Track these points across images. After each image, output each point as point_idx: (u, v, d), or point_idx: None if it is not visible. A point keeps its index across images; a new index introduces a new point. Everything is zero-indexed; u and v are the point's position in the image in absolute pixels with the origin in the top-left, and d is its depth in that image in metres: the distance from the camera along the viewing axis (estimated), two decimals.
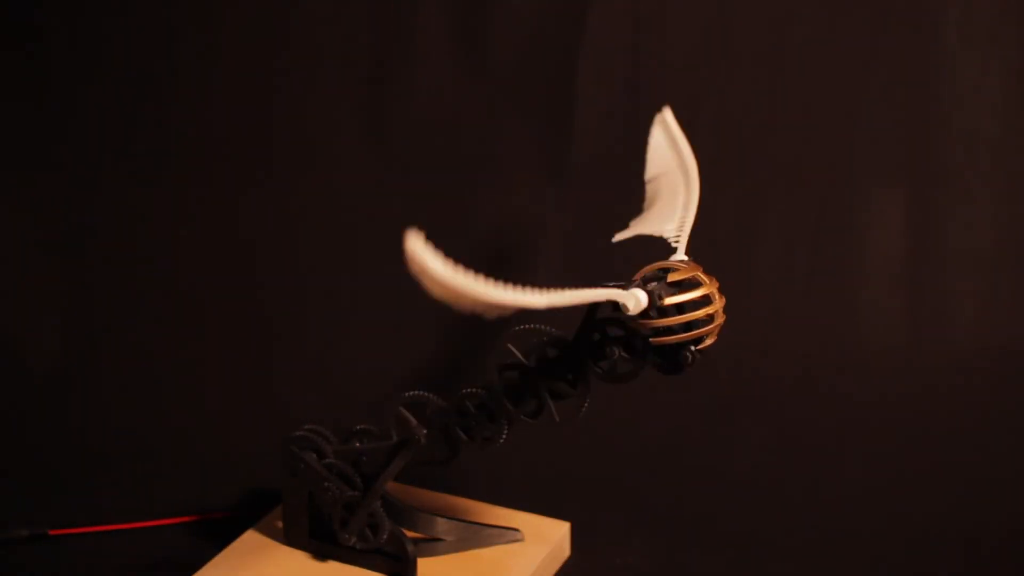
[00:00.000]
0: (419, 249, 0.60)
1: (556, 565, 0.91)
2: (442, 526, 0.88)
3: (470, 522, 0.89)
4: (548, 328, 0.78)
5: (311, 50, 1.17)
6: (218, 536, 0.91)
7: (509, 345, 0.79)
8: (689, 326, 0.72)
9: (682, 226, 0.79)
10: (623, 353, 0.75)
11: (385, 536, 0.84)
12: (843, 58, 1.09)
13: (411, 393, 0.83)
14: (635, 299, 0.71)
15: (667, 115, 0.89)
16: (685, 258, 0.76)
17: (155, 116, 1.20)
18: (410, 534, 0.85)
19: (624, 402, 1.11)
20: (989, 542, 0.94)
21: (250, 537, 0.90)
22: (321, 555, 0.87)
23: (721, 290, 0.74)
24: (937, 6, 1.07)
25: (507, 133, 1.15)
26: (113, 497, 1.00)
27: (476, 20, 1.14)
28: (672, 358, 0.73)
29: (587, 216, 1.13)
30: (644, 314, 0.72)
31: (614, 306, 0.72)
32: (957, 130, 1.09)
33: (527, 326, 0.78)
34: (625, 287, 0.71)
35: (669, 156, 0.87)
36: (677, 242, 0.78)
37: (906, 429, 1.07)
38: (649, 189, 0.88)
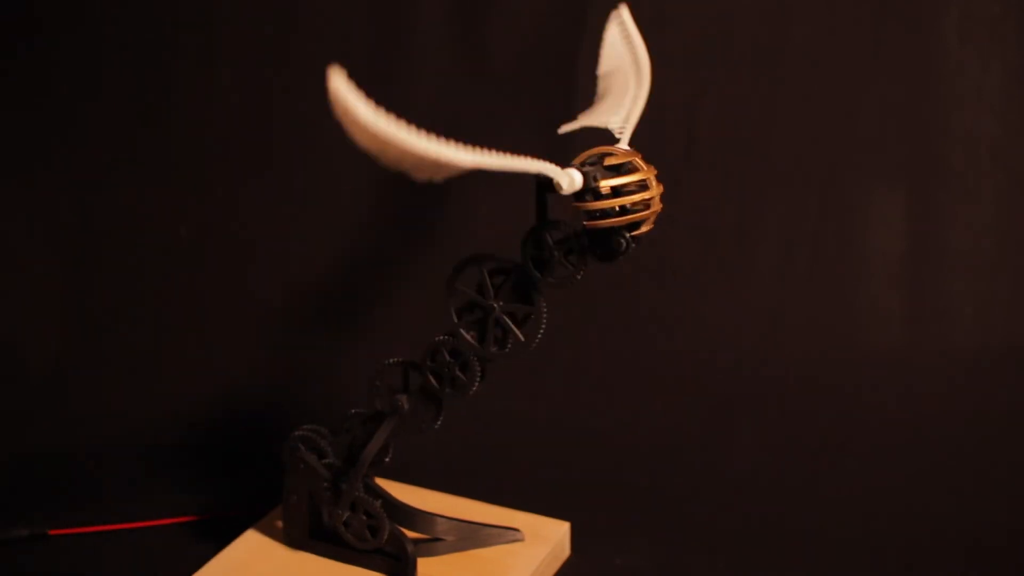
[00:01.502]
0: (343, 90, 0.56)
1: (556, 565, 0.90)
2: (442, 526, 0.88)
3: (470, 522, 0.89)
4: (490, 254, 0.79)
5: (311, 50, 1.17)
6: (218, 536, 0.91)
7: (459, 285, 0.79)
8: (624, 211, 0.72)
9: (628, 118, 0.79)
10: (563, 254, 0.76)
11: (385, 536, 0.84)
12: (843, 58, 1.09)
13: (389, 362, 0.83)
14: (569, 177, 0.71)
15: (623, 12, 0.88)
16: (627, 147, 0.76)
17: (155, 117, 1.20)
18: (410, 534, 0.85)
19: (624, 402, 1.12)
20: (989, 542, 0.93)
21: (250, 537, 0.90)
22: (321, 555, 0.87)
23: (659, 178, 0.74)
24: (937, 6, 1.07)
25: (507, 133, 1.15)
26: (113, 497, 1.00)
27: (476, 19, 1.14)
28: (606, 244, 0.74)
29: None
30: (580, 197, 0.72)
31: (549, 185, 0.71)
32: (957, 130, 1.09)
33: (472, 256, 0.79)
34: (562, 167, 0.71)
35: (623, 52, 0.86)
36: (622, 133, 0.78)
37: (906, 429, 1.07)
38: (601, 84, 0.87)
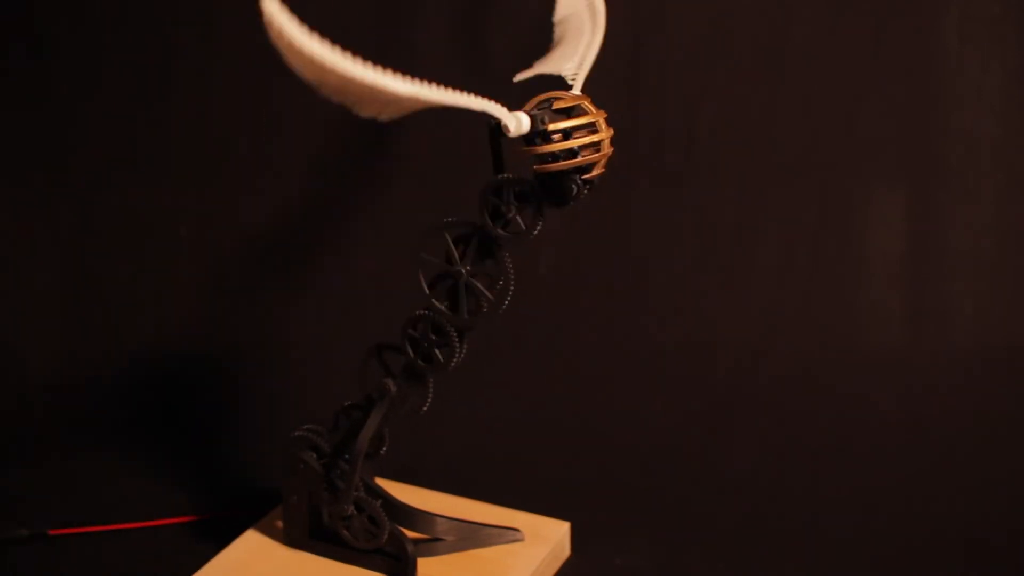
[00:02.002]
0: (276, 12, 0.55)
1: (556, 565, 0.91)
2: (442, 526, 0.88)
3: (470, 522, 0.89)
4: (453, 219, 0.78)
5: None
6: (218, 536, 0.91)
7: (426, 255, 0.79)
8: (575, 153, 0.71)
9: (581, 63, 0.79)
10: (517, 205, 0.75)
11: (385, 536, 0.84)
12: (843, 58, 1.09)
13: (373, 347, 0.83)
14: (516, 120, 0.70)
15: None
16: (576, 93, 0.76)
17: (155, 117, 1.20)
18: (410, 534, 0.85)
19: (624, 402, 1.12)
20: (989, 542, 0.94)
21: (250, 537, 0.90)
22: (321, 555, 0.87)
23: (608, 121, 0.73)
24: (937, 6, 1.07)
25: None
26: (113, 497, 1.00)
27: (476, 19, 1.13)
28: (557, 188, 0.73)
29: (585, 217, 1.13)
30: (530, 141, 0.71)
31: (500, 130, 0.71)
32: (957, 130, 1.09)
33: (435, 223, 0.78)
34: (509, 110, 0.71)
35: None
36: (574, 79, 0.77)
37: (906, 429, 1.07)
38: (556, 31, 0.87)
